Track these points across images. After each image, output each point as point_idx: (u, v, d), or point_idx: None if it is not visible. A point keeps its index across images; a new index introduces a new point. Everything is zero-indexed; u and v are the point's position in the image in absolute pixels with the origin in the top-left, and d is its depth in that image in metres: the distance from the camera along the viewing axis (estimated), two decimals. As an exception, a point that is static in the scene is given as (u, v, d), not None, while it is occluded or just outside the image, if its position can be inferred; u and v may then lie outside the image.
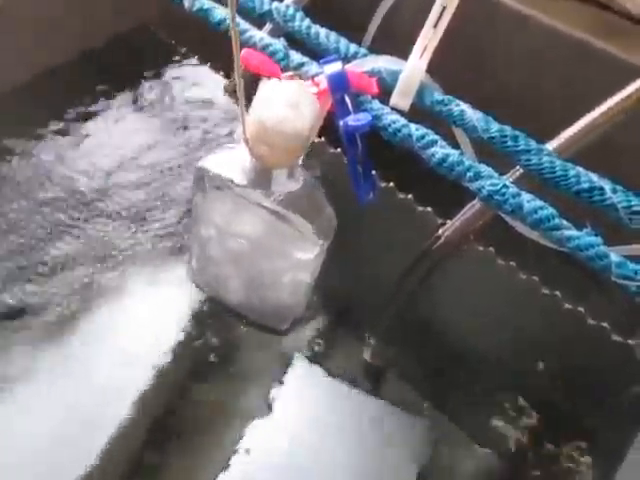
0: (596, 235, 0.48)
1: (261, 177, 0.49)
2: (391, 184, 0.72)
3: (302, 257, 0.54)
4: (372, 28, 0.80)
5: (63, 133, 0.79)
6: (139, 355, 0.61)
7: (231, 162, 0.50)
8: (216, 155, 0.53)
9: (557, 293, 0.65)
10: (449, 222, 0.63)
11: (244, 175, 0.49)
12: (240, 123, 0.46)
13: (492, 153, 0.54)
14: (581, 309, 0.65)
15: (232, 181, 0.49)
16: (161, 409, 0.58)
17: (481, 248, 0.68)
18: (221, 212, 0.54)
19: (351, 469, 0.58)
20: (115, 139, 0.80)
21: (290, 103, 0.45)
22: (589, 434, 0.62)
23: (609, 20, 0.68)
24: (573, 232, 0.48)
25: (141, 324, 0.63)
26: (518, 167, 0.54)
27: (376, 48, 0.61)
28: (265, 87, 0.45)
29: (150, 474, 0.55)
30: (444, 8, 0.52)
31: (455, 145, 0.56)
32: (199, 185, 0.53)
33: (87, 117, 0.81)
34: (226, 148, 0.54)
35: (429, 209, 0.70)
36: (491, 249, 0.68)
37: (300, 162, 0.51)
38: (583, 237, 0.47)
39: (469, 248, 0.66)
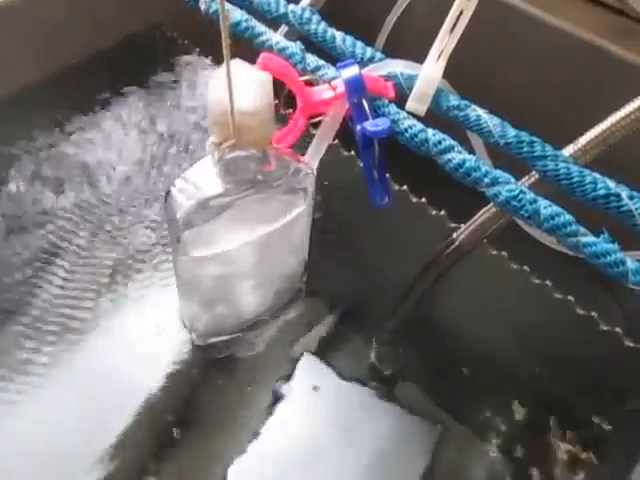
0: (613, 242, 0.48)
1: (233, 173, 0.48)
2: (404, 187, 0.72)
3: (293, 216, 0.53)
4: (386, 30, 0.80)
5: (74, 133, 0.78)
6: (144, 353, 0.61)
7: (200, 182, 0.48)
8: (181, 190, 0.49)
9: (570, 298, 0.65)
10: (463, 226, 0.64)
11: (220, 182, 0.48)
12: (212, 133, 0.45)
13: (505, 158, 0.54)
14: (594, 314, 0.65)
15: (212, 197, 0.47)
16: (166, 408, 0.58)
17: (494, 252, 0.68)
18: (210, 241, 0.51)
19: (357, 470, 0.58)
20: (126, 139, 0.80)
21: (251, 81, 0.44)
22: (600, 437, 0.62)
23: (624, 24, 0.68)
24: (590, 239, 0.48)
25: (146, 323, 0.63)
26: (534, 172, 0.54)
27: (390, 50, 0.61)
28: (218, 77, 0.43)
29: (154, 473, 0.55)
30: (461, 12, 0.52)
31: (468, 150, 0.55)
32: (178, 234, 0.49)
33: (98, 117, 0.81)
34: (183, 179, 0.50)
35: (443, 213, 0.70)
36: (504, 253, 0.68)
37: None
38: (600, 244, 0.47)
39: (482, 252, 0.66)
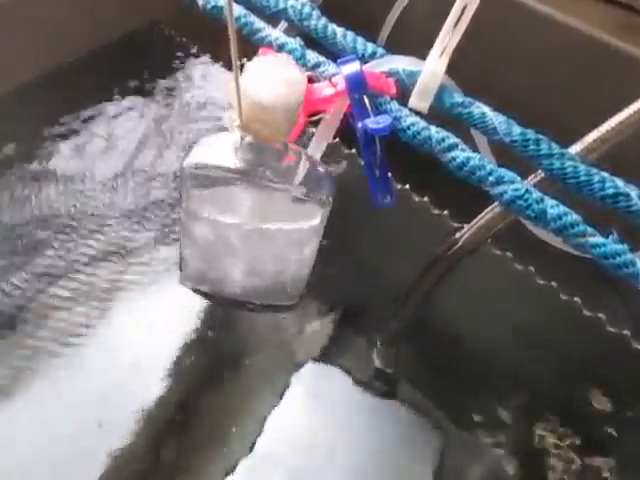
0: (622, 242, 0.46)
1: (254, 157, 0.48)
2: (406, 186, 0.71)
3: (304, 227, 0.53)
4: (387, 27, 0.79)
5: (72, 131, 0.78)
6: (145, 356, 0.60)
7: (217, 151, 0.49)
8: (198, 149, 0.51)
9: (576, 299, 0.64)
10: (466, 226, 0.63)
11: (235, 159, 0.48)
12: (232, 107, 0.45)
13: (508, 157, 0.53)
14: (601, 316, 0.64)
15: (223, 167, 0.48)
16: (167, 411, 0.58)
17: (498, 252, 0.67)
18: (213, 207, 0.53)
19: (360, 471, 0.57)
20: (124, 137, 0.79)
21: (281, 79, 0.44)
22: (605, 440, 0.61)
23: (633, 21, 0.67)
24: (598, 239, 0.47)
25: (145, 325, 0.62)
26: (540, 171, 0.53)
27: (391, 47, 0.59)
28: (254, 65, 0.44)
29: (156, 475, 0.54)
30: (465, 7, 0.51)
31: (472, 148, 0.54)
32: (186, 186, 0.52)
33: (96, 115, 0.80)
34: (201, 145, 0.52)
35: (445, 212, 0.69)
36: (508, 254, 0.67)
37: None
38: (609, 244, 0.46)
39: (486, 252, 0.65)
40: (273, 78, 0.43)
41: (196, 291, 0.64)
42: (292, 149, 0.49)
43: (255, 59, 0.44)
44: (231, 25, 0.37)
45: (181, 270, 0.63)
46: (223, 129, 0.50)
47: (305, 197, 0.50)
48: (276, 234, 0.54)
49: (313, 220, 0.52)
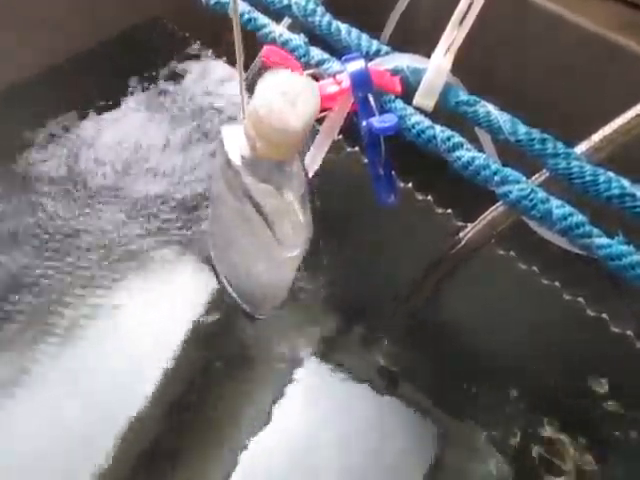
0: (628, 243, 0.46)
1: (254, 165, 0.47)
2: (409, 185, 0.71)
3: (277, 256, 0.52)
4: (391, 24, 0.78)
5: (73, 127, 0.77)
6: (143, 354, 0.60)
7: (233, 142, 0.48)
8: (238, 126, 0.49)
9: (580, 299, 0.64)
10: (469, 225, 0.62)
11: (241, 157, 0.47)
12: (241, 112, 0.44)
13: (513, 157, 0.52)
14: (604, 316, 0.64)
15: (230, 159, 0.47)
16: (166, 408, 0.58)
17: (502, 252, 0.66)
18: (231, 193, 0.51)
19: (361, 468, 0.57)
20: (127, 133, 0.78)
21: (287, 96, 0.42)
22: (606, 441, 0.60)
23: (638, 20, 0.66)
24: (604, 240, 0.46)
25: (144, 323, 0.63)
26: (545, 171, 0.52)
27: (396, 44, 0.59)
28: (268, 76, 0.43)
29: (155, 474, 0.54)
30: (471, 4, 0.50)
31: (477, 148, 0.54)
32: (216, 156, 0.50)
33: (98, 111, 0.80)
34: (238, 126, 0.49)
35: (449, 211, 0.69)
36: (512, 253, 0.66)
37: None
38: (615, 245, 0.46)
39: (489, 252, 0.65)
40: (277, 92, 0.42)
41: (197, 284, 0.63)
42: (289, 174, 0.48)
43: (270, 74, 0.43)
44: (236, 26, 0.36)
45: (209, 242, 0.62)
46: (226, 122, 0.49)
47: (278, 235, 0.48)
48: (253, 244, 0.53)
49: (282, 254, 0.51)
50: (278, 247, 0.50)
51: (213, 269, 0.63)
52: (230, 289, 0.62)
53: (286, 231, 0.49)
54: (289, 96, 0.42)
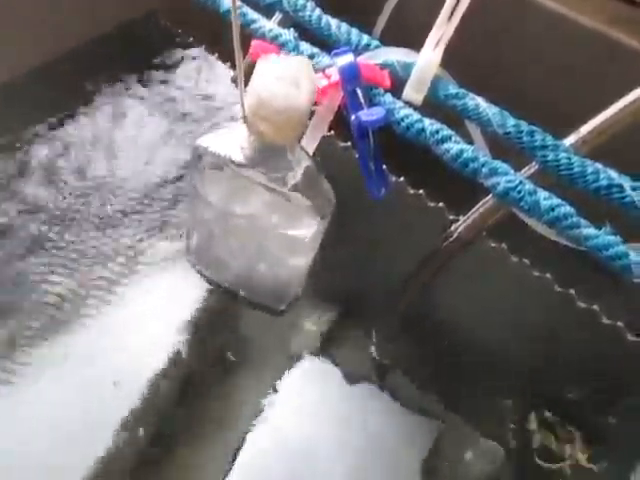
0: (615, 234, 0.46)
1: (259, 155, 0.47)
2: (402, 179, 0.71)
3: (299, 235, 0.52)
4: (382, 18, 0.78)
5: (67, 122, 0.78)
6: (142, 350, 0.60)
7: (229, 141, 0.49)
8: (214, 134, 0.51)
9: (571, 291, 0.64)
10: (461, 218, 0.62)
11: (242, 153, 0.47)
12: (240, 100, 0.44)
13: (505, 150, 0.52)
14: (595, 307, 0.64)
15: (230, 159, 0.48)
16: (164, 405, 0.58)
17: (493, 245, 0.67)
18: (219, 192, 0.53)
19: (358, 462, 0.57)
20: (120, 128, 0.79)
21: (287, 78, 0.43)
22: (601, 434, 0.61)
23: (632, 13, 0.66)
24: (591, 231, 0.47)
25: (143, 319, 0.63)
26: (534, 163, 0.53)
27: (387, 39, 0.59)
28: (264, 62, 0.43)
29: (153, 471, 0.55)
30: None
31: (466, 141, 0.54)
32: (196, 165, 0.51)
33: (91, 106, 0.80)
34: (224, 128, 0.52)
35: (441, 205, 0.69)
36: (504, 246, 0.67)
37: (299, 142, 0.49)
38: (602, 236, 0.46)
39: (481, 245, 0.65)
40: (278, 76, 0.42)
41: (195, 282, 0.63)
42: (296, 155, 0.49)
43: (267, 57, 0.44)
44: (235, 22, 0.36)
45: (186, 246, 0.62)
46: (218, 118, 0.49)
47: (301, 207, 0.49)
48: (269, 234, 0.53)
49: (308, 230, 0.52)
50: (300, 221, 0.51)
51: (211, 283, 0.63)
52: (242, 292, 0.62)
53: (294, 214, 0.50)
54: (288, 78, 0.42)
